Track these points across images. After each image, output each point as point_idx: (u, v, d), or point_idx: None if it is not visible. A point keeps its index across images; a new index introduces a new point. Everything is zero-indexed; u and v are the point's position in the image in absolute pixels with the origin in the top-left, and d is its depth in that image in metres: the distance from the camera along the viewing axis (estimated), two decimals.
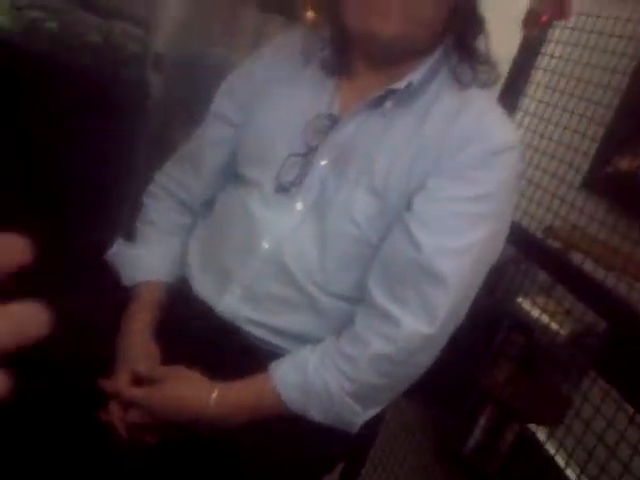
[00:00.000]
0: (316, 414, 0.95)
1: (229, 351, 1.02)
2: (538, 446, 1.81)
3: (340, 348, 0.94)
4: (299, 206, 1.02)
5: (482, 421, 2.27)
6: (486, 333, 2.34)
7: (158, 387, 0.94)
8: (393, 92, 0.99)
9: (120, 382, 0.95)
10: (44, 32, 1.94)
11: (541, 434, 1.84)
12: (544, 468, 1.78)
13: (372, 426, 1.07)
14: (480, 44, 1.01)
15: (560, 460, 1.74)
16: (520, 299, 2.15)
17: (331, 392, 0.93)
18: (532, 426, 1.88)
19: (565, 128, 2.33)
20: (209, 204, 1.18)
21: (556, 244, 2.09)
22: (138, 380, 0.96)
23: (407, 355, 0.93)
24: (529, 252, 1.89)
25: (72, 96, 1.77)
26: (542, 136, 2.50)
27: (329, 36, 1.05)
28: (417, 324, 0.91)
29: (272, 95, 1.09)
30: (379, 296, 0.94)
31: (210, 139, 1.17)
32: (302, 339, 1.01)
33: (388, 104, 1.00)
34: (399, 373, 0.96)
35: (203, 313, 1.06)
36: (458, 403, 2.46)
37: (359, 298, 0.99)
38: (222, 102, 1.16)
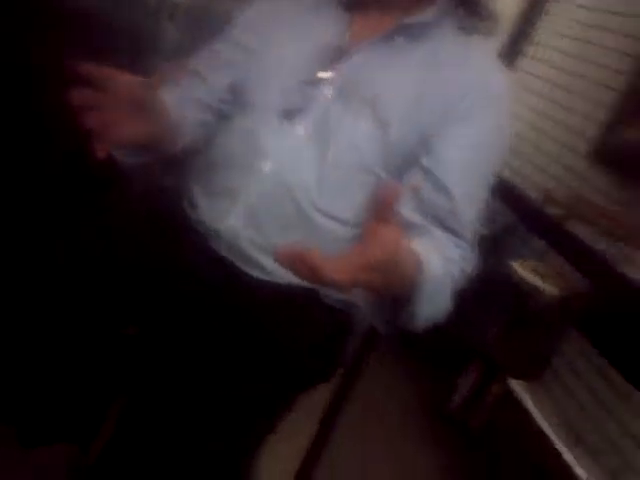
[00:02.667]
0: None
1: (227, 273, 1.07)
2: (518, 402, 1.87)
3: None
4: (300, 131, 1.06)
5: (468, 377, 2.34)
6: (478, 294, 2.40)
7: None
8: (405, 27, 1.06)
9: None
10: None
11: (521, 390, 1.90)
12: (524, 422, 1.85)
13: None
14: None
15: (538, 414, 1.80)
16: (514, 262, 2.20)
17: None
18: (513, 383, 1.94)
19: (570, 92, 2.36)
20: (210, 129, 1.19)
21: (555, 210, 2.13)
22: None
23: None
24: (526, 219, 1.92)
25: (88, 40, 1.80)
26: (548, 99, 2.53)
27: None
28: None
29: (285, 26, 1.16)
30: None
31: (221, 59, 1.19)
32: None
33: (399, 39, 1.07)
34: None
35: (206, 235, 1.09)
36: (444, 360, 2.54)
37: (354, 222, 1.05)
38: (236, 28, 1.21)
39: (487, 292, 2.41)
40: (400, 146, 1.03)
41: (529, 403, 1.86)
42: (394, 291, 0.83)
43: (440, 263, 0.91)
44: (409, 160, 1.04)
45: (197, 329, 1.02)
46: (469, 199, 1.03)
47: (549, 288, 1.96)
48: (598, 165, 2.46)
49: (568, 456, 1.71)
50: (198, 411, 0.94)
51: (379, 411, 2.34)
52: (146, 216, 1.17)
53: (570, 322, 1.73)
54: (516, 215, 1.90)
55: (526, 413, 1.85)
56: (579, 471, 1.66)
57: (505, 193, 1.69)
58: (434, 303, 0.90)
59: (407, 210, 1.00)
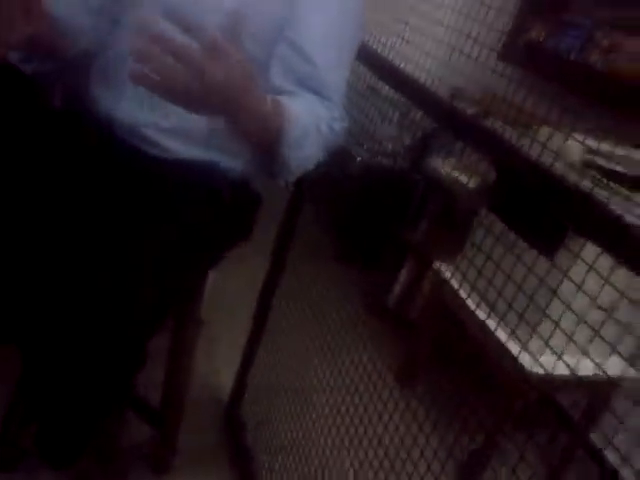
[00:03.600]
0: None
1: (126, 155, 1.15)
2: (451, 290, 2.03)
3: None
4: None
5: (403, 274, 2.51)
6: (405, 196, 2.54)
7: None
8: None
9: None
10: None
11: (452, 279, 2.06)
12: (454, 305, 2.01)
13: None
14: None
15: (464, 294, 1.96)
16: (434, 161, 2.34)
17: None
18: (444, 271, 2.09)
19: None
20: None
21: (467, 107, 2.25)
22: None
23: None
24: (441, 119, 2.04)
25: None
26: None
27: None
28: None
29: None
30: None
31: None
32: (188, 136, 1.16)
33: None
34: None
35: (107, 122, 1.16)
36: (380, 262, 2.70)
37: None
38: None
39: (415, 192, 2.56)
40: (264, 23, 1.13)
41: (456, 286, 2.02)
42: (260, 134, 0.96)
43: (306, 114, 1.03)
44: (276, 35, 1.14)
45: (108, 211, 1.08)
46: (333, 65, 1.16)
47: (467, 179, 2.10)
48: (507, 63, 2.60)
49: (493, 326, 1.87)
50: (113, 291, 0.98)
51: (317, 309, 2.48)
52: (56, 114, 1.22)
53: (484, 206, 1.88)
54: (431, 116, 2.01)
55: (456, 296, 2.01)
56: (502, 337, 1.83)
57: (421, 96, 1.79)
58: (302, 150, 1.03)
59: (276, 78, 1.12)
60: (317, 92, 1.13)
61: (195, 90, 0.78)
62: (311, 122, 1.05)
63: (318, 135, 1.08)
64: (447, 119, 2.18)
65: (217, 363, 2.05)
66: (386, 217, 2.62)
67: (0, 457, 1.49)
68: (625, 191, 1.54)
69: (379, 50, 1.71)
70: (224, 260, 1.33)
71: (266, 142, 0.99)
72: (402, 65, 2.06)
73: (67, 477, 1.51)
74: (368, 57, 1.56)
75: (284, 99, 1.00)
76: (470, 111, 2.26)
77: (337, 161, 2.99)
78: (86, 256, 1.00)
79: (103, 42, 1.21)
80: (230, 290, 2.02)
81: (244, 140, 1.01)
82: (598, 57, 2.22)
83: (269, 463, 1.72)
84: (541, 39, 2.52)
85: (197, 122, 1.09)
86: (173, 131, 1.16)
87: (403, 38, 2.57)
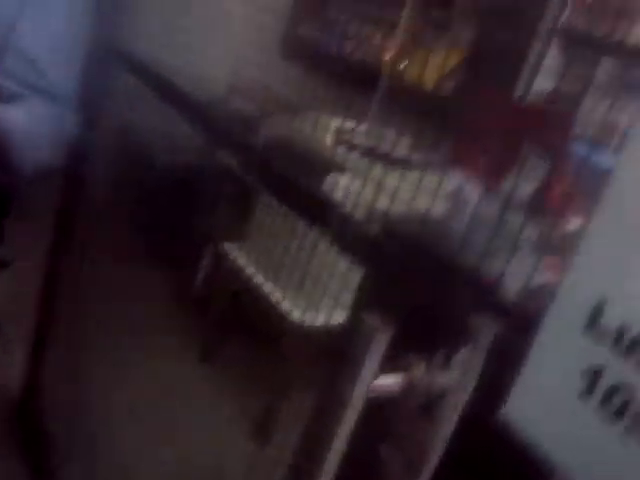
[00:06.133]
0: None
1: None
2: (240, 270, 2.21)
3: None
4: None
5: (205, 262, 2.66)
6: (203, 190, 2.70)
7: None
8: None
9: None
10: None
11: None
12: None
13: None
14: None
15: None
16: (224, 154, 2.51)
17: None
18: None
19: None
20: None
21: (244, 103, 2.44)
22: None
23: None
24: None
25: None
26: None
27: None
28: None
29: None
30: None
31: None
32: None
33: None
34: None
35: None
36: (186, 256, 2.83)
37: None
38: None
39: (210, 185, 2.71)
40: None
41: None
42: None
43: (25, 119, 1.14)
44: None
45: None
46: (59, 66, 1.20)
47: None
48: (284, 59, 2.83)
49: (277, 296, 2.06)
50: None
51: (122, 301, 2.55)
52: None
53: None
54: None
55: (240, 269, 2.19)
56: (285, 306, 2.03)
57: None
58: (28, 150, 1.14)
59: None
60: (42, 93, 1.17)
61: None
62: (33, 127, 1.15)
63: (46, 137, 1.19)
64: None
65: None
66: (187, 212, 2.74)
67: None
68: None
69: (153, 63, 1.78)
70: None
71: None
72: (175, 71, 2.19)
73: None
74: (142, 71, 1.68)
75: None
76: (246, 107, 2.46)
77: (139, 163, 3.06)
78: None
79: None
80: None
81: None
82: (354, 49, 2.51)
83: (64, 449, 1.78)
84: (311, 35, 2.78)
85: None
86: None
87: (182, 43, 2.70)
